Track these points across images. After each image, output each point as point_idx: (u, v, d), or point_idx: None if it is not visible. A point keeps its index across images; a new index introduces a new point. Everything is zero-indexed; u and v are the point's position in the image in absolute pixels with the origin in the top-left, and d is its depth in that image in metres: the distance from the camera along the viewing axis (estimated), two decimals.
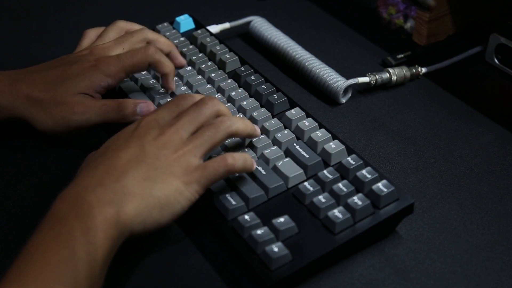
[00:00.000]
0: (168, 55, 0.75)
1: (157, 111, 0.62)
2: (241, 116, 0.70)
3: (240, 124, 0.62)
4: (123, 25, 0.77)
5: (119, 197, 0.55)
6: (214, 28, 0.87)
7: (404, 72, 0.79)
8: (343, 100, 0.77)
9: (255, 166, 0.62)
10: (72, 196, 0.55)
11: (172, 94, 0.74)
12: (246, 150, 0.66)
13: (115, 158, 0.57)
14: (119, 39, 0.73)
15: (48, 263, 0.50)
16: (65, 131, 0.69)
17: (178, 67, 0.75)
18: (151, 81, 0.76)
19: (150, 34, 0.74)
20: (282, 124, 0.68)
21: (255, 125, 0.65)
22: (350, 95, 0.78)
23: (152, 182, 0.57)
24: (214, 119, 0.62)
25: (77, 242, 0.51)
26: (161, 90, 0.74)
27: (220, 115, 0.62)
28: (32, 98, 0.68)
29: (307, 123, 0.68)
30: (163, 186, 0.57)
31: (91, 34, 0.77)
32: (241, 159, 0.60)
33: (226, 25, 0.88)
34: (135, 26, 0.77)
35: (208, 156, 0.63)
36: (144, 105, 0.68)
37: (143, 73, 0.77)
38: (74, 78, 0.68)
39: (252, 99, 0.72)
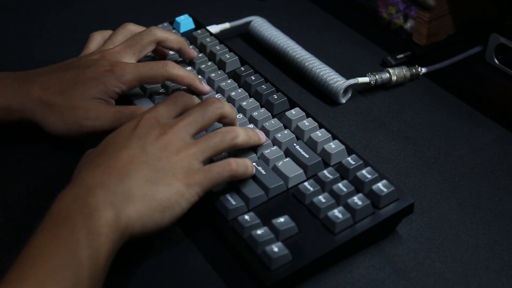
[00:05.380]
0: (178, 51, 0.76)
1: (155, 109, 0.61)
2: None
3: (244, 137, 0.62)
4: (132, 28, 0.76)
5: (121, 200, 0.55)
6: (214, 28, 0.87)
7: (404, 72, 0.79)
8: (343, 100, 0.77)
9: (254, 171, 0.63)
10: (73, 197, 0.54)
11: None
12: (246, 149, 0.66)
13: (116, 158, 0.57)
14: (128, 42, 0.72)
15: (49, 266, 0.50)
16: (76, 136, 0.68)
17: (190, 60, 0.77)
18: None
19: (159, 34, 0.73)
20: (282, 124, 0.68)
21: (259, 133, 0.65)
22: (350, 95, 0.78)
23: (154, 185, 0.56)
24: (218, 122, 0.63)
25: (78, 245, 0.51)
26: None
27: (224, 117, 0.62)
28: (45, 101, 0.67)
29: (307, 123, 0.68)
30: (165, 188, 0.56)
31: (97, 37, 0.76)
32: (244, 165, 0.61)
33: (226, 25, 0.88)
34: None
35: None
36: None
37: None
38: (88, 82, 0.67)
39: (252, 99, 0.72)
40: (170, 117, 0.61)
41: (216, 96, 0.73)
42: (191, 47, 0.81)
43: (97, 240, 0.52)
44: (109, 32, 0.77)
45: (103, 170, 0.56)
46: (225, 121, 0.64)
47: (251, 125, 0.69)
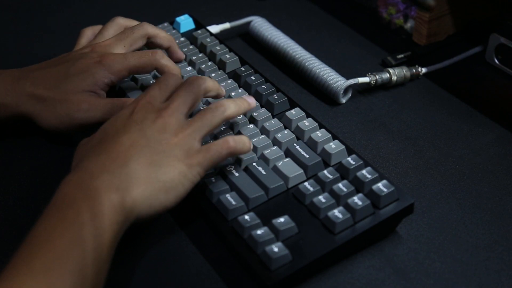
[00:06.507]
0: (167, 49, 0.77)
1: (148, 92, 0.62)
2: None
3: (234, 108, 0.63)
4: (122, 22, 0.77)
5: (125, 183, 0.55)
6: (214, 28, 0.87)
7: (404, 72, 0.79)
8: (343, 100, 0.77)
9: (251, 147, 0.63)
10: (77, 182, 0.55)
11: None
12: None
13: (117, 143, 0.58)
14: (119, 36, 0.74)
15: (55, 248, 0.50)
16: (69, 129, 0.69)
17: (177, 61, 0.77)
18: (151, 81, 0.76)
19: (151, 29, 0.75)
20: (282, 124, 0.68)
21: (248, 99, 0.66)
22: (350, 95, 0.78)
23: (157, 167, 0.57)
24: (204, 97, 0.64)
25: (84, 228, 0.52)
26: None
27: (208, 91, 0.64)
28: (36, 96, 0.68)
29: (307, 123, 0.68)
30: (168, 169, 0.57)
31: (88, 33, 0.77)
32: (241, 141, 0.61)
33: (226, 25, 0.88)
34: (134, 23, 0.77)
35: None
36: None
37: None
38: (78, 75, 0.68)
39: None
40: (163, 99, 0.62)
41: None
42: (191, 47, 0.81)
43: (102, 222, 0.53)
44: (99, 27, 0.78)
45: (105, 156, 0.57)
46: (210, 95, 0.65)
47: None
